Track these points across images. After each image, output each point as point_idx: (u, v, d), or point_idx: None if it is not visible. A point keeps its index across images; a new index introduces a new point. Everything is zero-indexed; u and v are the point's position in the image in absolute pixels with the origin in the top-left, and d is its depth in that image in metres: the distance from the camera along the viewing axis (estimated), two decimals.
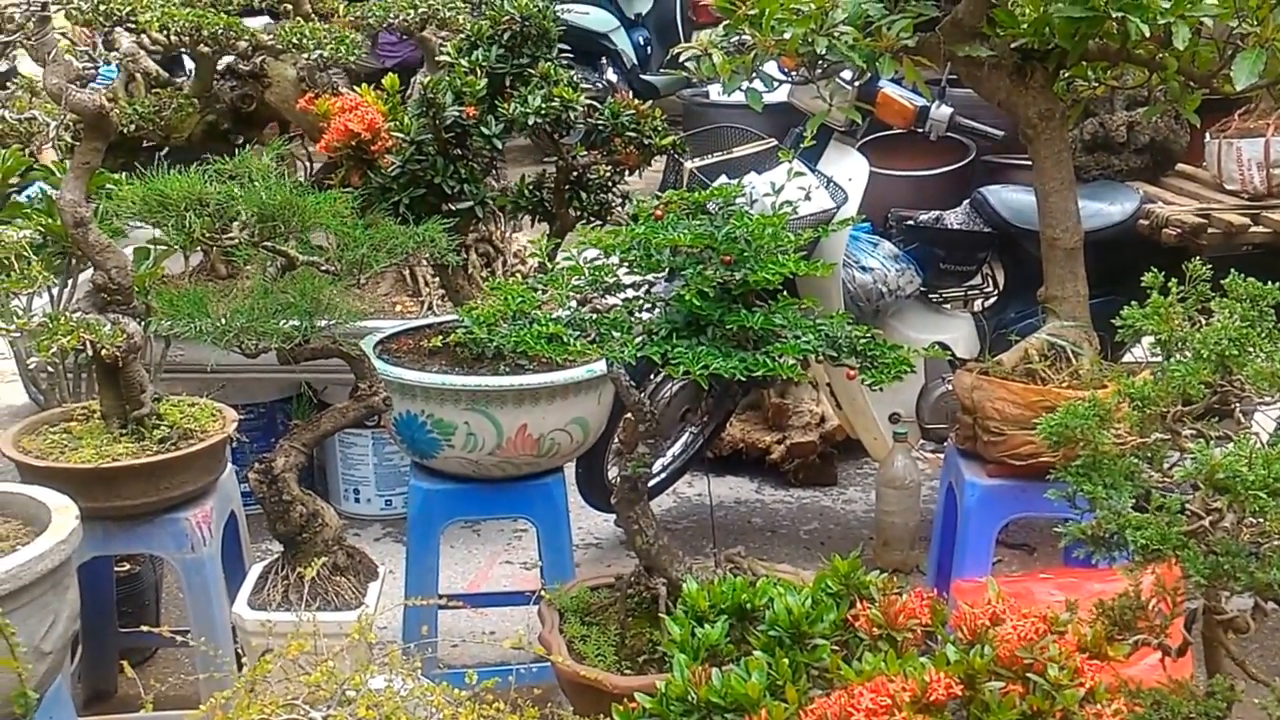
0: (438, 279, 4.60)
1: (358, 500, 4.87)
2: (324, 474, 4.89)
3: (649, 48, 9.54)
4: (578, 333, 2.33)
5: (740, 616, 2.00)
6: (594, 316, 2.40)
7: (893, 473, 4.26)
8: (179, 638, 3.66)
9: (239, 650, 2.96)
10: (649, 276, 2.56)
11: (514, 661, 3.01)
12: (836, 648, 1.92)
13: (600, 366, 3.43)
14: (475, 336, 2.40)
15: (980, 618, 1.78)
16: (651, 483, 4.83)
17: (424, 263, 4.51)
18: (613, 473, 4.69)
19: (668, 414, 4.67)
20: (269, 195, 2.38)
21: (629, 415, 4.62)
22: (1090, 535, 1.82)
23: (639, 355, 2.29)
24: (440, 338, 3.35)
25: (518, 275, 4.60)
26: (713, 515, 4.76)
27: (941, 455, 4.68)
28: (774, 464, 5.11)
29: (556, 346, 2.30)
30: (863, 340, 2.42)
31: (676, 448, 4.79)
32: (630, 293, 2.57)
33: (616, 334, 2.34)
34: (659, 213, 2.45)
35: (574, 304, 2.43)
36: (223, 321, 2.25)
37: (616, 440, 4.60)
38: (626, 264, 2.53)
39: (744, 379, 4.44)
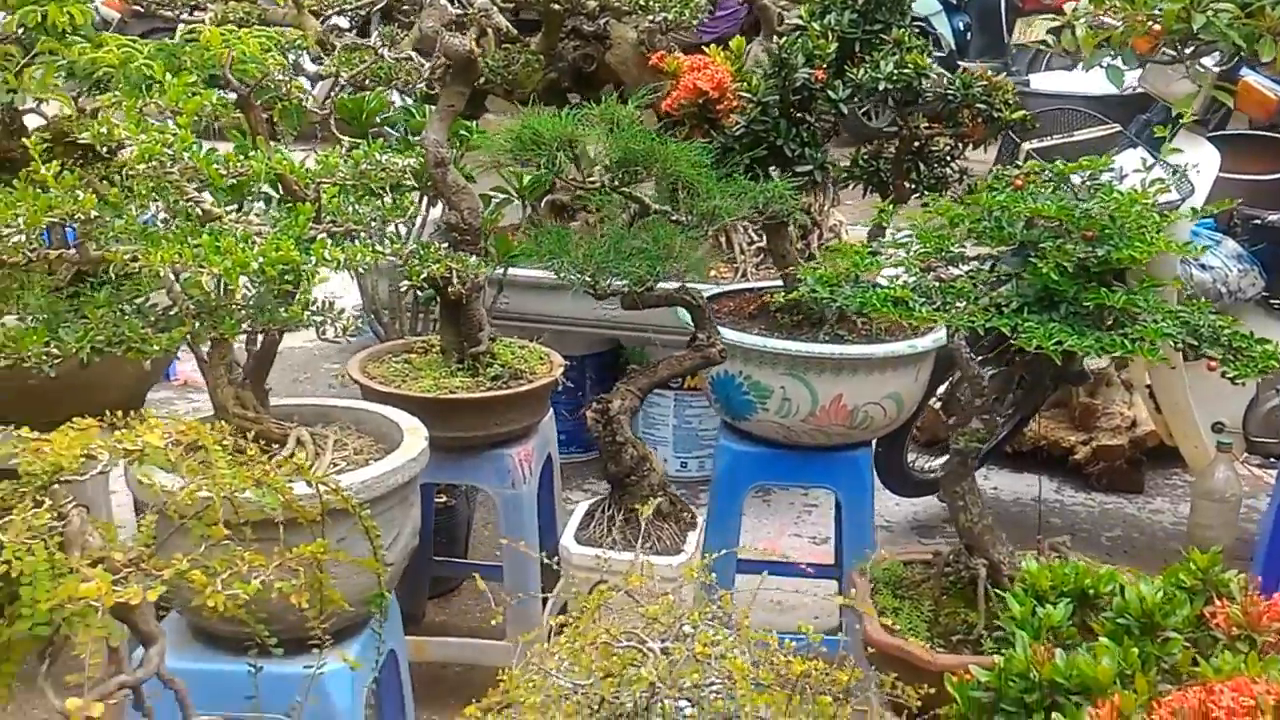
0: (753, 246, 4.64)
1: None
2: None
3: (968, 33, 9.32)
4: (923, 299, 2.29)
5: (1081, 601, 1.93)
6: (939, 284, 2.35)
7: (1212, 484, 4.03)
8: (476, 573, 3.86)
9: (563, 582, 3.07)
10: (994, 250, 2.49)
11: (799, 632, 3.00)
12: (1187, 644, 1.83)
13: (922, 343, 3.38)
14: (817, 296, 2.39)
15: None
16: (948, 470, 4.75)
17: (740, 229, 4.55)
18: (911, 458, 4.62)
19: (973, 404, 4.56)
20: (633, 141, 2.44)
21: (934, 402, 4.58)
22: None
23: (987, 326, 2.24)
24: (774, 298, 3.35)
25: (831, 248, 4.56)
26: (1041, 509, 4.62)
27: (1268, 471, 4.41)
28: (1076, 465, 4.92)
29: (902, 310, 2.27)
30: (1227, 331, 2.29)
31: None
32: (974, 265, 2.51)
33: (962, 303, 2.29)
34: (1019, 181, 2.38)
35: (917, 271, 2.39)
36: (581, 260, 2.32)
37: (915, 428, 4.54)
38: (974, 235, 2.47)
39: (1054, 375, 4.29)
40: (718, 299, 3.64)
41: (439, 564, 3.89)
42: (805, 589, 3.92)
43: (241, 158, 2.39)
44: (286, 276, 2.17)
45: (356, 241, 2.31)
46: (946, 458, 4.69)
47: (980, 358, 4.40)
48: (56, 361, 2.18)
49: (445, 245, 2.83)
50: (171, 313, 2.34)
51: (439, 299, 3.36)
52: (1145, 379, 4.48)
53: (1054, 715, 1.60)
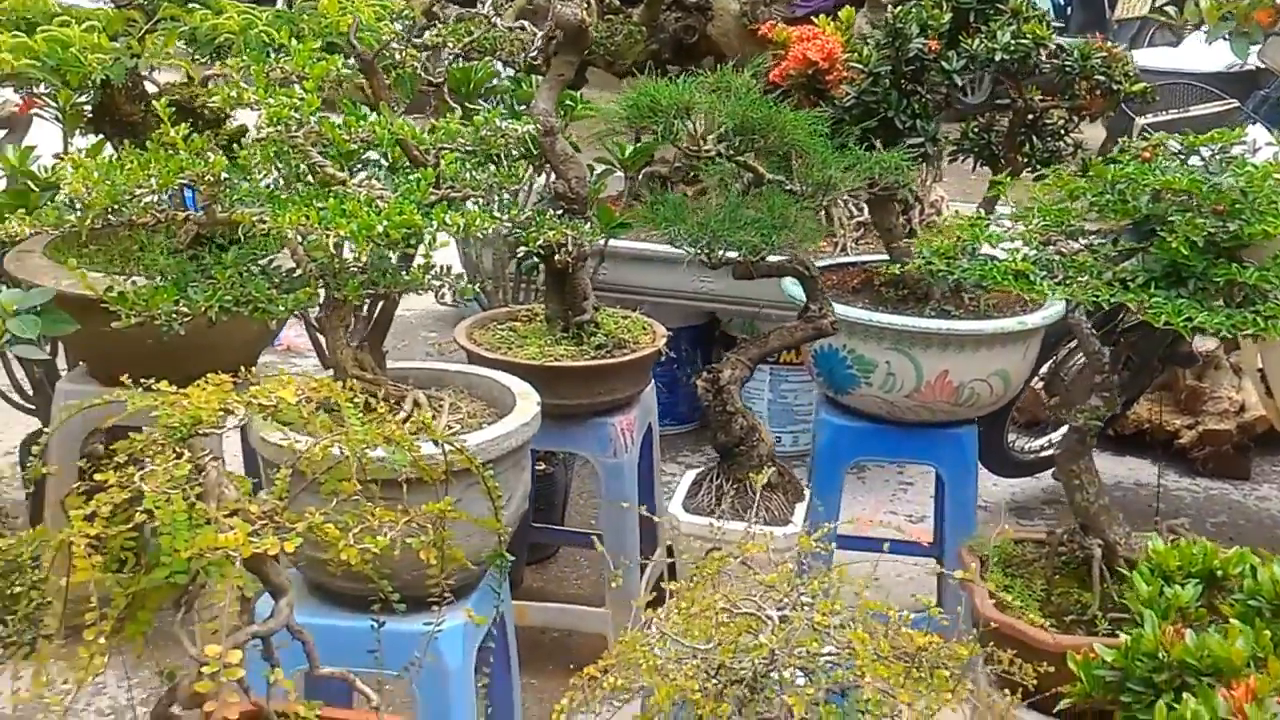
0: (852, 220, 4.60)
1: None
2: None
3: (1069, 7, 9.14)
4: (1044, 273, 2.26)
5: (1209, 582, 1.89)
6: (1060, 258, 2.32)
7: None
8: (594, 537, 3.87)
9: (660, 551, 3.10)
10: (1116, 224, 2.44)
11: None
12: None
13: (1032, 319, 3.34)
14: (933, 269, 2.37)
15: None
16: (1048, 453, 4.69)
17: (839, 202, 4.51)
18: (1010, 438, 4.57)
19: (1078, 383, 4.49)
20: (751, 109, 2.43)
21: (1036, 382, 4.51)
22: None
23: (1112, 301, 2.20)
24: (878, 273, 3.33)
25: (932, 225, 4.51)
26: (1156, 490, 4.54)
27: None
28: (1181, 449, 4.83)
29: (1023, 283, 2.24)
30: None
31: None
32: (1093, 239, 2.47)
33: (1085, 277, 2.25)
34: (1147, 154, 2.34)
35: (1037, 245, 2.35)
36: (696, 229, 2.32)
37: (1014, 409, 4.48)
38: (1096, 208, 2.43)
39: (1163, 356, 4.19)
40: (820, 272, 3.62)
41: (536, 530, 3.93)
42: (901, 568, 3.90)
43: (363, 123, 2.42)
44: (411, 240, 2.19)
45: (475, 207, 2.33)
46: (1047, 439, 4.66)
47: (1075, 343, 4.37)
48: (185, 320, 2.22)
49: (556, 213, 2.84)
50: (295, 275, 2.38)
51: (544, 268, 3.38)
52: (1257, 362, 4.39)
53: (1184, 696, 1.58)
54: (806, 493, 2.60)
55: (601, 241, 4.04)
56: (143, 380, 2.65)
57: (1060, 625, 2.40)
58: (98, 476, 1.63)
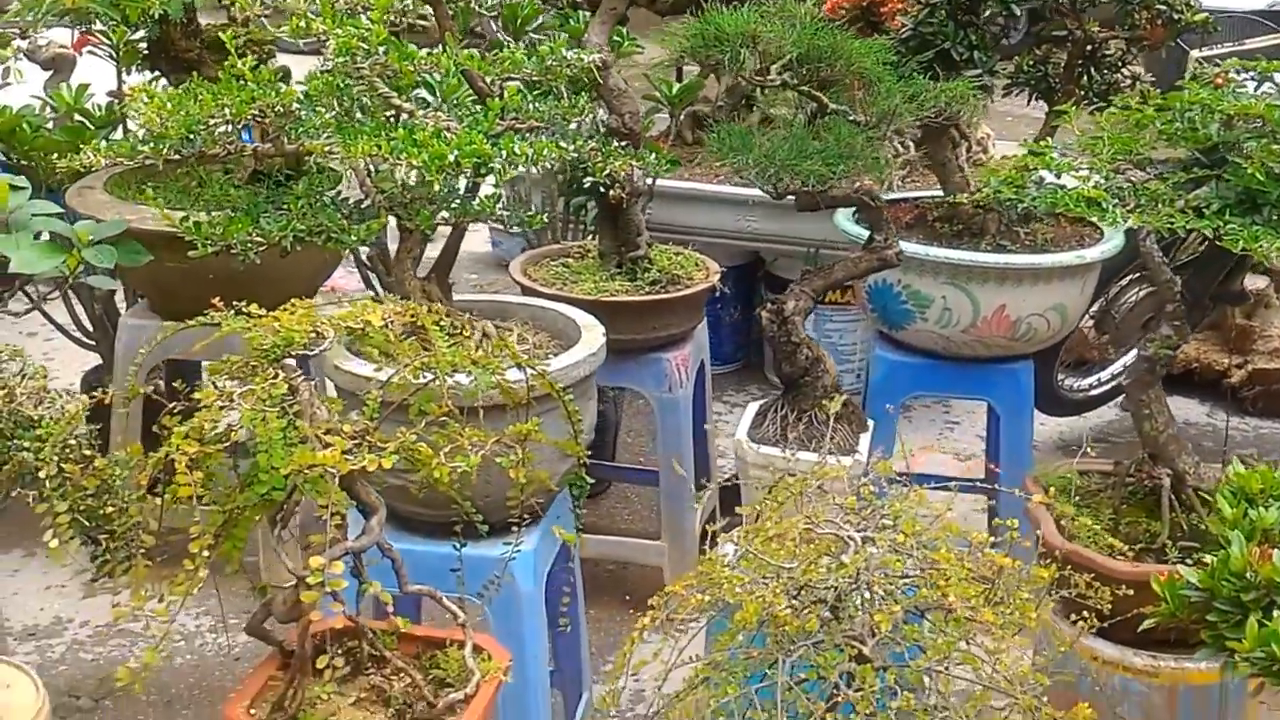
0: (899, 158, 4.57)
1: None
2: (760, 346, 4.99)
3: None
4: (1116, 200, 2.25)
5: None
6: (1131, 185, 2.31)
7: None
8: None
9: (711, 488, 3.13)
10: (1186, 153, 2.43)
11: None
12: None
13: (1090, 254, 3.32)
14: (1002, 196, 2.36)
15: None
16: (1096, 391, 4.69)
17: (886, 141, 4.48)
18: (1059, 378, 4.56)
19: (1129, 321, 4.48)
20: (817, 37, 2.42)
21: (1087, 320, 4.50)
22: None
23: (1187, 228, 2.19)
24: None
25: (980, 162, 4.48)
26: (1209, 429, 4.53)
27: None
28: (1230, 388, 4.81)
29: (1096, 210, 2.23)
30: None
31: (1129, 358, 4.59)
32: (1163, 168, 2.46)
33: (1157, 205, 2.24)
34: (1220, 79, 2.32)
35: (1108, 173, 2.34)
36: (763, 159, 2.32)
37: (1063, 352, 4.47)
38: (1165, 136, 2.41)
39: (1214, 294, 4.17)
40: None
41: (589, 467, 3.95)
42: (955, 503, 3.91)
43: (428, 54, 2.42)
44: (481, 170, 2.19)
45: (542, 138, 2.33)
46: (1095, 378, 4.65)
47: (1136, 274, 4.36)
48: (260, 249, 2.24)
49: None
50: (364, 205, 2.39)
51: (598, 204, 3.39)
52: None
53: (1274, 614, 1.59)
54: (870, 423, 2.61)
55: (650, 179, 4.05)
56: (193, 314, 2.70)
57: (1129, 555, 2.41)
58: (196, 395, 1.66)
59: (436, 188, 2.14)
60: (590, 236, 3.77)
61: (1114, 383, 4.59)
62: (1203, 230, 2.17)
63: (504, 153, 2.21)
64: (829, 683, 1.71)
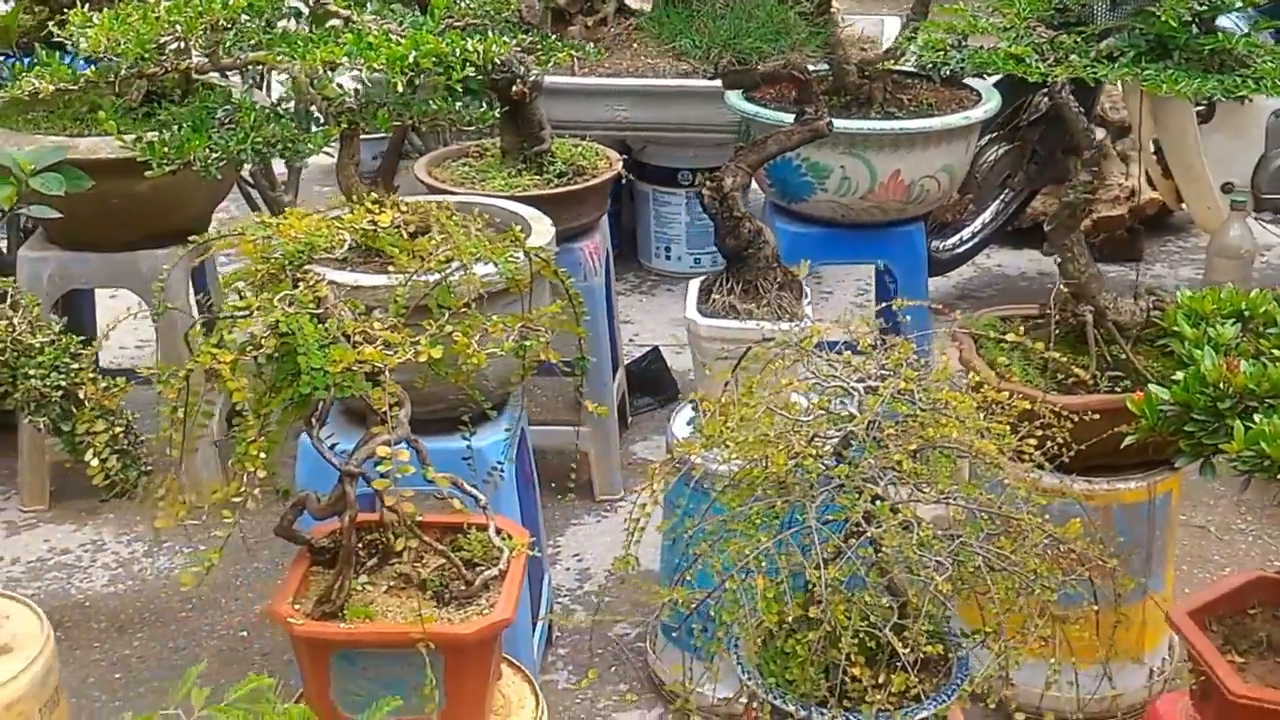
0: None
1: (668, 258, 5.05)
2: (634, 233, 5.08)
3: None
4: (1038, 55, 2.39)
5: (1242, 322, 2.07)
6: (1050, 40, 2.45)
7: (1227, 242, 4.23)
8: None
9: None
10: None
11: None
12: None
13: (975, 114, 3.50)
14: (927, 60, 2.49)
15: None
16: (959, 250, 4.93)
17: None
18: (932, 242, 4.76)
19: (989, 179, 4.71)
20: None
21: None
22: None
23: (1106, 77, 2.35)
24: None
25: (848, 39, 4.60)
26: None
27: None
28: None
29: (1021, 67, 2.37)
30: None
31: (986, 215, 4.84)
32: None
33: (1073, 56, 2.39)
34: None
35: (1025, 31, 2.47)
36: (704, 38, 2.39)
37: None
38: None
39: (1065, 147, 4.38)
40: (760, 86, 3.70)
41: None
42: None
43: None
44: (440, 69, 2.21)
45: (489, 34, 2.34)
46: (958, 237, 4.87)
47: (991, 135, 4.57)
48: (221, 164, 2.22)
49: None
50: (308, 114, 2.38)
51: (500, 101, 3.40)
52: (1151, 147, 4.65)
53: (1255, 418, 1.76)
54: (808, 289, 2.74)
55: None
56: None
57: (1063, 389, 2.60)
58: (233, 303, 1.67)
59: (400, 89, 2.14)
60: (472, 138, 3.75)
61: (974, 240, 4.83)
62: (1123, 78, 2.33)
63: (458, 50, 2.23)
64: (850, 523, 1.85)
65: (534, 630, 2.78)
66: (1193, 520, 3.50)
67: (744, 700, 2.06)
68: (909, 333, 2.80)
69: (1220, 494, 3.58)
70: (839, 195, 3.46)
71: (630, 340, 4.39)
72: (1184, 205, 4.84)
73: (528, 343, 1.84)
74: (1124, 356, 2.61)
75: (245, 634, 3.05)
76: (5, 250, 3.65)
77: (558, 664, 2.93)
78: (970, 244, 4.84)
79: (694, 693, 1.97)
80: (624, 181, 3.56)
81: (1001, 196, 4.82)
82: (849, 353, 2.01)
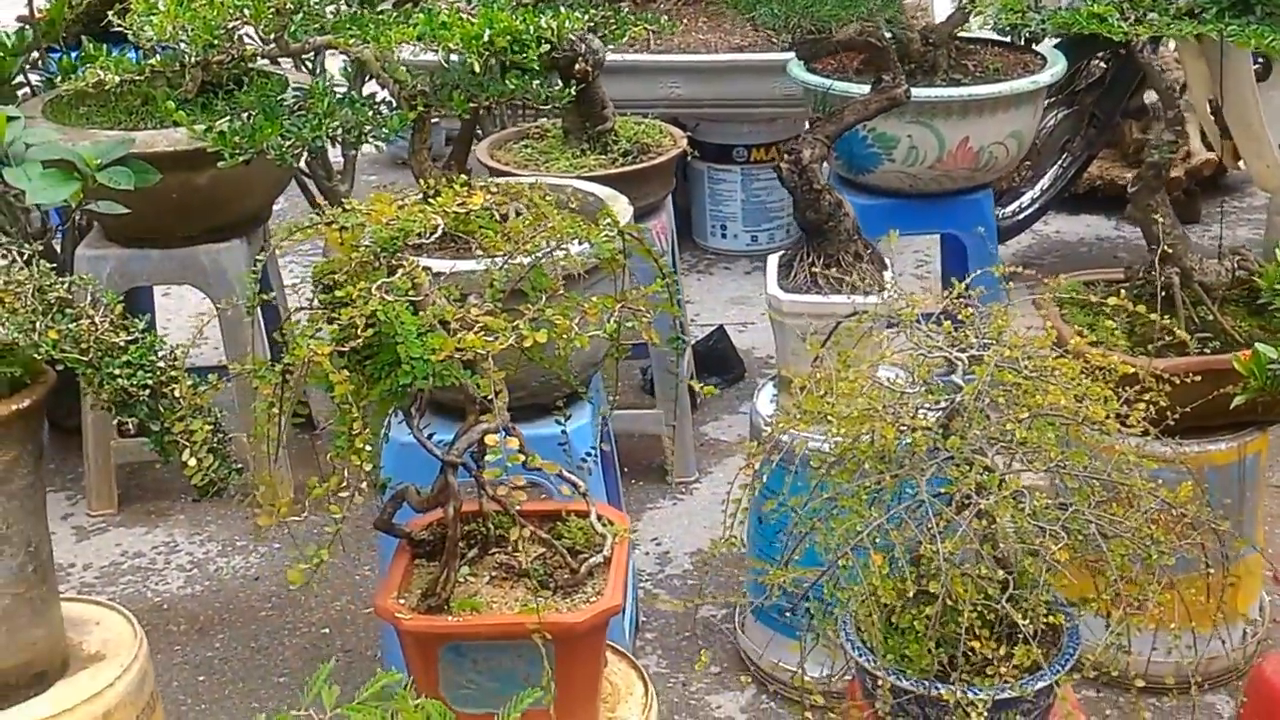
0: None
1: (724, 236, 5.01)
2: (689, 211, 5.03)
3: None
4: (1119, 14, 2.34)
5: None
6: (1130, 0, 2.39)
7: None
8: None
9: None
10: None
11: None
12: None
13: (1042, 78, 3.44)
14: (1005, 22, 2.43)
15: None
16: (1020, 217, 4.85)
17: None
18: None
19: (1048, 145, 4.64)
20: None
21: None
22: None
23: (1192, 34, 2.29)
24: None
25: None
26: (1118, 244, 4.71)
27: None
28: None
29: (1105, 26, 2.32)
30: None
31: (1045, 181, 4.77)
32: None
33: (1155, 14, 2.34)
34: None
35: None
36: (784, 8, 2.35)
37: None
38: None
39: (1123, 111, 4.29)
40: (821, 57, 3.64)
41: None
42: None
43: None
44: (514, 48, 2.17)
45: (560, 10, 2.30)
46: (1017, 204, 4.80)
47: (1049, 100, 4.50)
48: (297, 152, 2.19)
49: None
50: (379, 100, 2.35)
51: (562, 80, 3.36)
52: (1207, 108, 4.56)
53: None
54: (889, 262, 2.69)
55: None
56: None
57: (1149, 353, 2.54)
58: (333, 294, 1.64)
59: (478, 69, 2.11)
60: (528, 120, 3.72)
61: (1034, 207, 4.77)
62: (1207, 34, 2.27)
63: (532, 28, 2.19)
64: (960, 495, 1.81)
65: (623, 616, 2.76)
66: (1271, 480, 3.44)
67: (848, 679, 2.03)
68: (984, 303, 2.78)
69: None
70: (907, 165, 3.41)
71: (692, 320, 4.35)
72: (1241, 164, 4.75)
73: (629, 324, 1.81)
74: (1211, 318, 2.55)
75: (327, 630, 3.04)
76: (60, 249, 3.64)
77: (647, 649, 2.90)
78: (1030, 210, 4.78)
79: (796, 674, 1.94)
80: (687, 159, 3.52)
81: (1060, 161, 4.75)
82: (949, 322, 1.97)
